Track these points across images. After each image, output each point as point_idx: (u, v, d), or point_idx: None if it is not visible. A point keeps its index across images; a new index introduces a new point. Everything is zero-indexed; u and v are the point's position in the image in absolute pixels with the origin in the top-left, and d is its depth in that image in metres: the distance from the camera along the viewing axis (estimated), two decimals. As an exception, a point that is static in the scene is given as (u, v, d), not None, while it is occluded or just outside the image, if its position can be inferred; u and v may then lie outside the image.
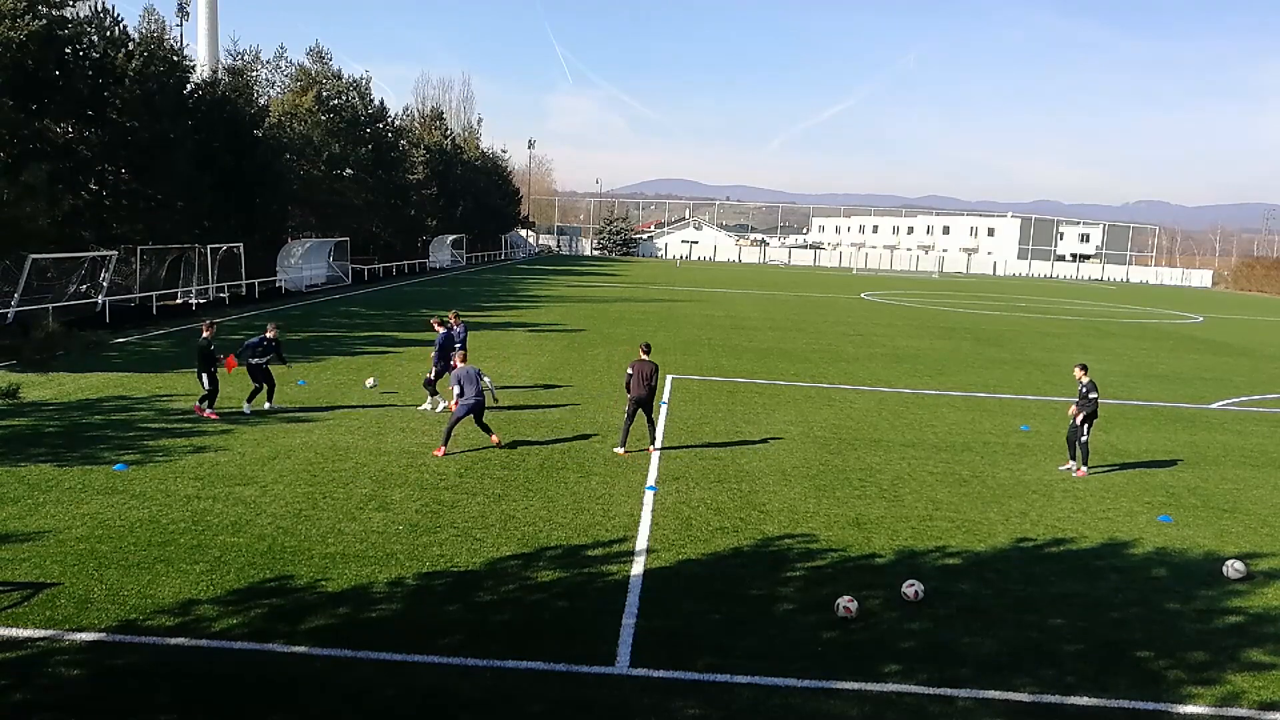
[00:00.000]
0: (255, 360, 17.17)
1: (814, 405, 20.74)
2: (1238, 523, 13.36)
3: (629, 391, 15.43)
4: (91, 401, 17.75)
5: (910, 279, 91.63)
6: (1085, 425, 15.40)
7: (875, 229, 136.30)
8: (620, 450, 15.42)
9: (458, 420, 14.92)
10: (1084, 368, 16.00)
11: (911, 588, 9.88)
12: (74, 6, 31.29)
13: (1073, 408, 15.61)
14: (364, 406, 18.30)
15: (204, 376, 16.68)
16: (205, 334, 16.96)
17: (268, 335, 17.50)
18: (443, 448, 14.80)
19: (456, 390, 14.90)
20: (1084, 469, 15.51)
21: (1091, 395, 15.33)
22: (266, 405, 17.48)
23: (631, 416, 15.52)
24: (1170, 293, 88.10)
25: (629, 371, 15.48)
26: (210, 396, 16.86)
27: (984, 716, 7.72)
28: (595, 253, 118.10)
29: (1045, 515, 13.20)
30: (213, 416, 16.60)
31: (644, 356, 15.62)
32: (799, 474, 14.73)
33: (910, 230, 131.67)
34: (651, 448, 15.60)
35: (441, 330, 18.78)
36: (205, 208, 36.88)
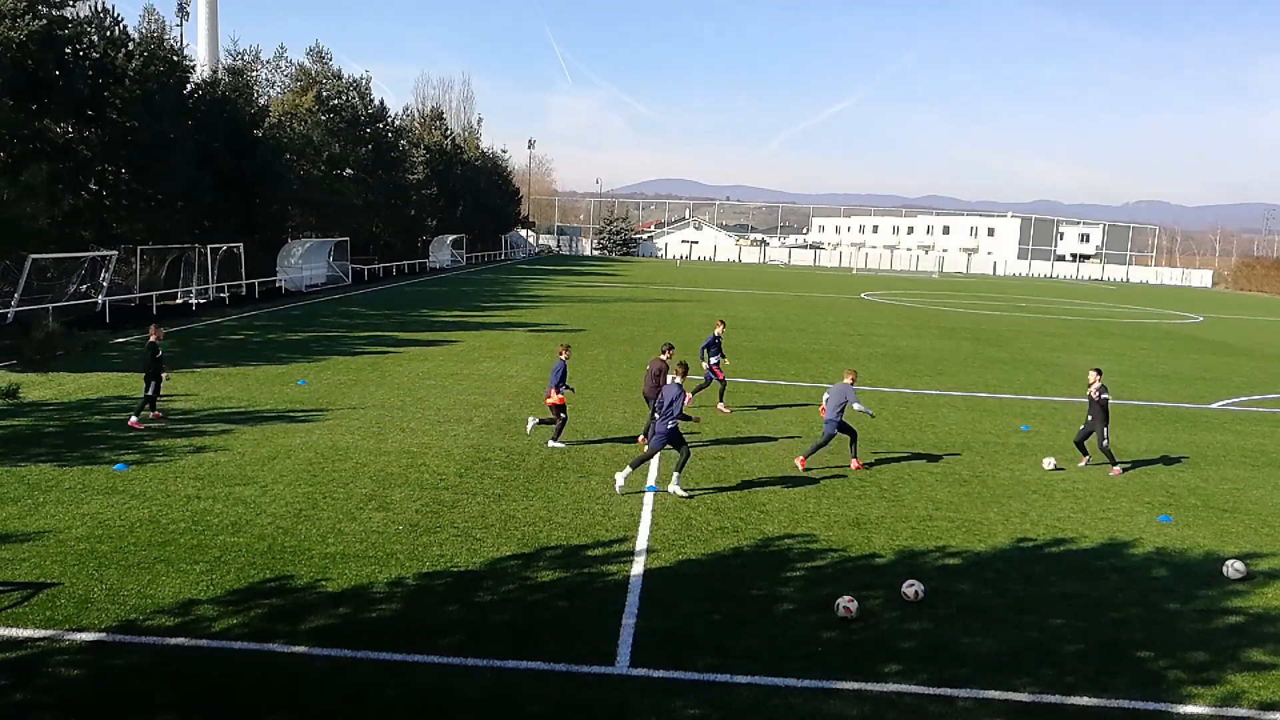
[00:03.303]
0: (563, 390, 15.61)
1: (814, 405, 20.73)
2: (1238, 523, 13.36)
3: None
4: (91, 401, 17.75)
5: (910, 279, 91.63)
6: (1104, 428, 15.56)
7: (875, 229, 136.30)
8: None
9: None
10: (1098, 372, 16.06)
11: (911, 588, 9.87)
12: (74, 6, 31.29)
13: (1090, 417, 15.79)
14: (364, 407, 18.29)
15: (150, 382, 15.76)
16: (153, 338, 16.03)
17: (562, 356, 15.93)
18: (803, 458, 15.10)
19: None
20: (1117, 468, 15.77)
21: (1103, 396, 15.61)
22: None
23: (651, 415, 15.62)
24: (1170, 293, 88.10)
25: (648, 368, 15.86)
26: (149, 402, 15.99)
27: (984, 716, 7.71)
28: (595, 253, 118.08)
29: (1045, 515, 13.20)
30: (138, 427, 15.54)
31: (661, 356, 16.04)
32: (799, 474, 14.73)
33: (910, 230, 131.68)
34: (642, 438, 15.84)
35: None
36: (205, 208, 36.87)
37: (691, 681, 8.01)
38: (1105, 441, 15.64)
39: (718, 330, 19.97)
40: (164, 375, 16.18)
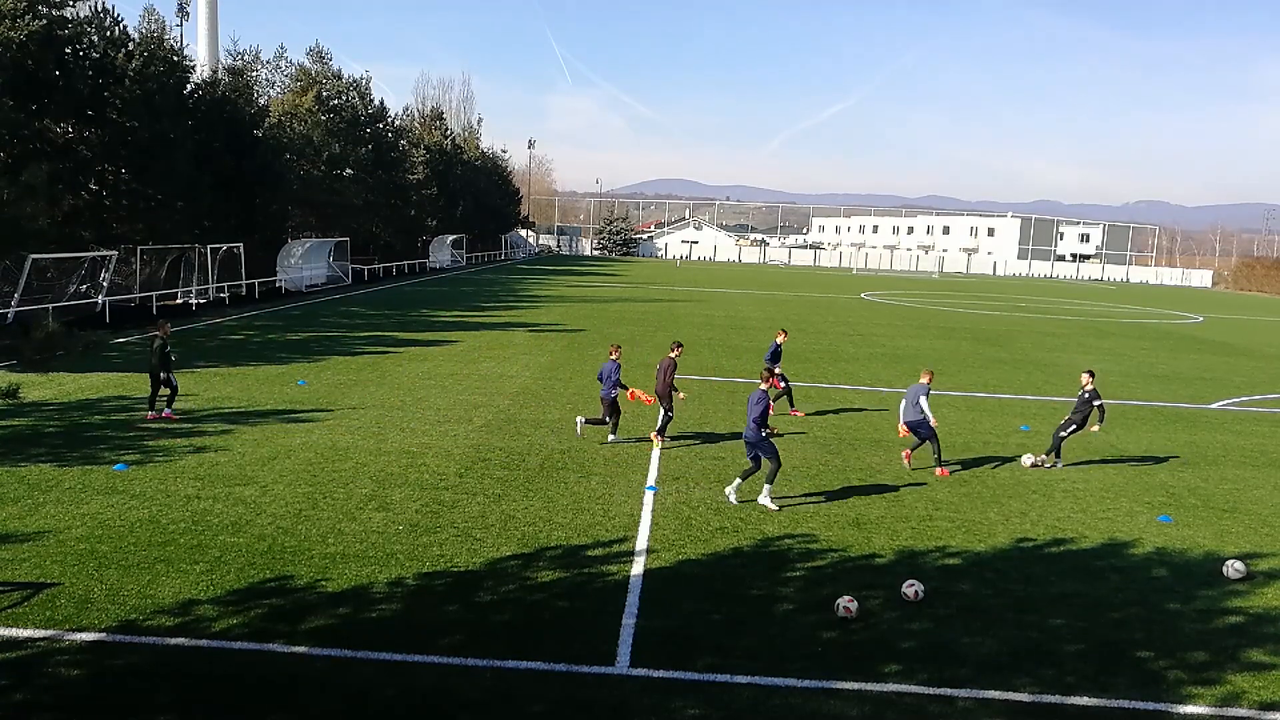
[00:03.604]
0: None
1: (814, 405, 20.74)
2: (1238, 523, 13.36)
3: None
4: (92, 401, 17.75)
5: (910, 279, 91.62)
6: (1072, 426, 15.84)
7: (875, 229, 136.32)
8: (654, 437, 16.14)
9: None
10: (1091, 374, 16.23)
11: (911, 588, 9.88)
12: (74, 6, 31.25)
13: (1094, 426, 15.85)
14: (364, 407, 18.29)
15: (167, 377, 16.44)
16: (161, 335, 16.66)
17: (613, 357, 16.28)
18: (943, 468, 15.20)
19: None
20: (1039, 458, 15.88)
21: (1097, 403, 15.78)
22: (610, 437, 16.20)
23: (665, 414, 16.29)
24: (1170, 293, 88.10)
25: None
26: (170, 397, 16.59)
27: (984, 716, 7.72)
28: (595, 253, 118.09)
29: (1045, 515, 13.20)
30: (172, 417, 16.41)
31: (671, 354, 16.60)
32: (799, 474, 14.73)
33: (910, 230, 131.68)
34: (654, 434, 16.17)
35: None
36: (205, 208, 36.86)
37: (691, 681, 8.01)
38: (1064, 433, 15.88)
39: (780, 339, 19.84)
40: (163, 375, 16.42)
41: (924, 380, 15.29)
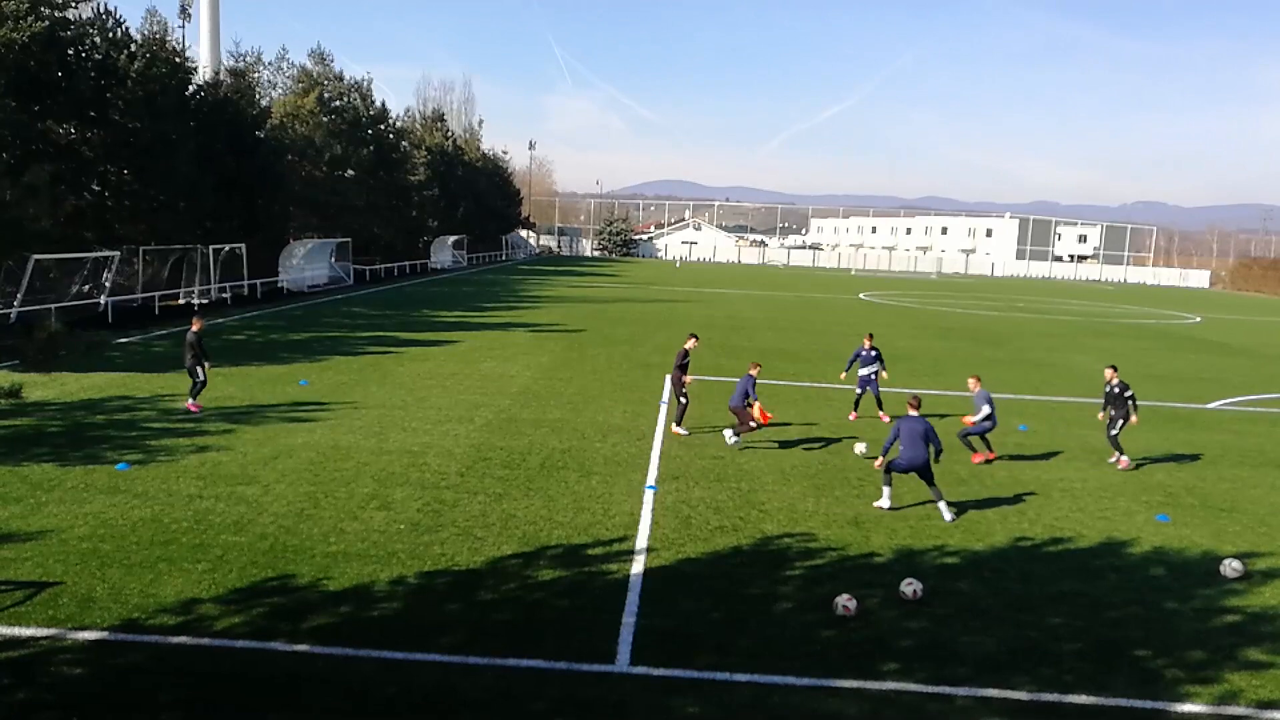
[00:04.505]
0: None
1: (814, 405, 20.79)
2: (1235, 522, 13.40)
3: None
4: (94, 401, 17.79)
5: (908, 279, 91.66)
6: (1120, 421, 16.02)
7: (874, 230, 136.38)
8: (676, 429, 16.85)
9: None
10: (1114, 368, 16.58)
11: (910, 586, 9.92)
12: (76, 8, 31.31)
13: (1100, 413, 16.10)
14: (366, 406, 18.33)
15: (198, 369, 17.25)
16: (195, 328, 17.46)
17: (685, 351, 17.29)
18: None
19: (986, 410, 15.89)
20: (1125, 459, 16.10)
21: (1128, 395, 15.98)
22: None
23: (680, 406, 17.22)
24: (1168, 293, 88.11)
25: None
26: (196, 389, 17.37)
27: (982, 715, 7.76)
28: (596, 253, 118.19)
29: (1043, 514, 13.24)
30: (195, 409, 17.08)
31: (686, 345, 17.67)
32: (798, 473, 14.78)
33: (909, 231, 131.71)
34: (675, 428, 16.98)
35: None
36: (207, 208, 36.91)
37: (691, 680, 8.06)
38: (1114, 430, 16.05)
39: (867, 344, 19.81)
40: (199, 366, 17.29)
41: (975, 386, 16.36)
